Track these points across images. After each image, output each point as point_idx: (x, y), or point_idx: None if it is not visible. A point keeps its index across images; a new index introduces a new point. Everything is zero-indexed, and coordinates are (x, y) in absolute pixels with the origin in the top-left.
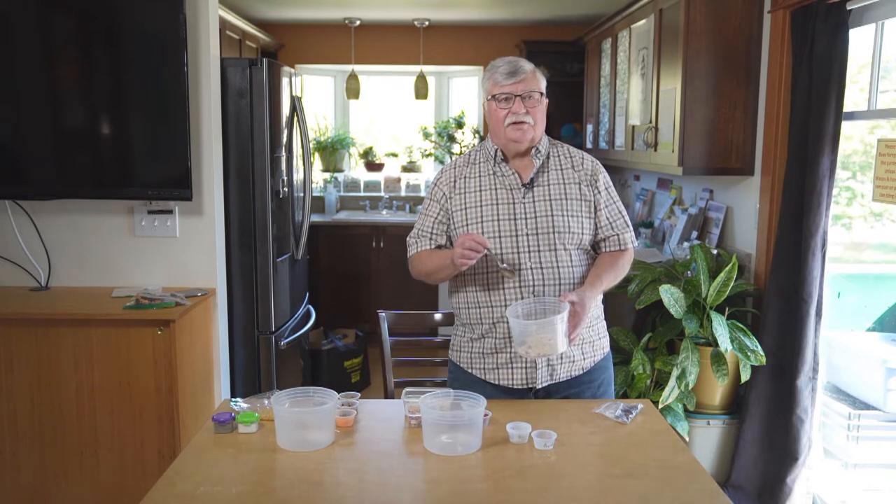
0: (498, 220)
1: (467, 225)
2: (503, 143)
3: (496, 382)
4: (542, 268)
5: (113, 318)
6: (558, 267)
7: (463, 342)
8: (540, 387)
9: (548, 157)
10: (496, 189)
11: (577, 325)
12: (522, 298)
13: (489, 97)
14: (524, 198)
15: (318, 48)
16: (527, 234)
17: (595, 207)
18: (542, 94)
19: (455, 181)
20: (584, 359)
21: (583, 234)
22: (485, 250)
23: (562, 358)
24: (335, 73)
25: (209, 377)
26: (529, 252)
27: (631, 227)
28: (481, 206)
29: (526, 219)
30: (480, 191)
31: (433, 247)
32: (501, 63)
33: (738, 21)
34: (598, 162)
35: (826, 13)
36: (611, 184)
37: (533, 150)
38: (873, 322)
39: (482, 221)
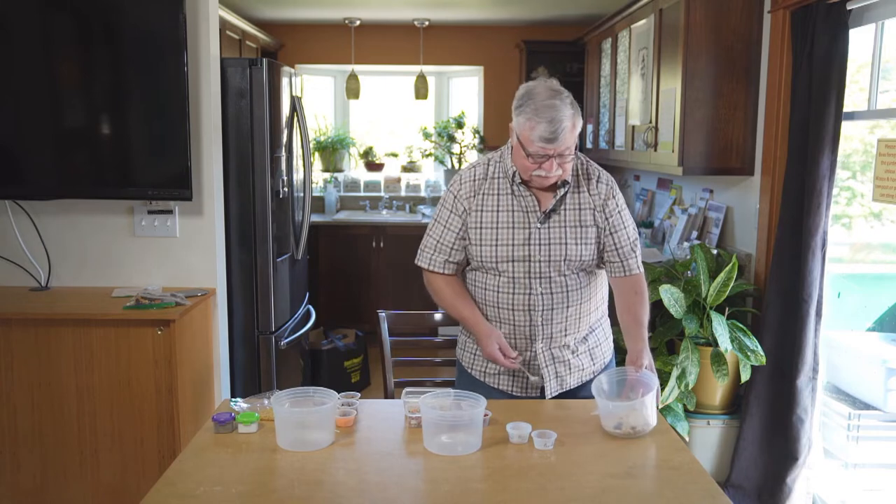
0: (513, 245)
1: (481, 245)
2: (525, 178)
3: (495, 386)
4: (552, 293)
5: (113, 318)
6: (567, 291)
7: (468, 342)
8: (550, 398)
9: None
10: (513, 211)
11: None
12: (531, 320)
13: (518, 140)
14: (541, 224)
15: (318, 48)
16: (539, 261)
17: (603, 232)
18: (575, 141)
19: (474, 196)
20: (594, 364)
21: (592, 259)
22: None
23: (570, 368)
24: (335, 73)
25: (209, 377)
26: (541, 278)
27: (638, 251)
28: (497, 228)
29: (540, 245)
30: (498, 211)
31: (450, 261)
32: (542, 118)
33: (738, 21)
34: (613, 182)
35: (826, 13)
36: (623, 206)
37: (559, 182)
38: (873, 322)
39: (497, 245)
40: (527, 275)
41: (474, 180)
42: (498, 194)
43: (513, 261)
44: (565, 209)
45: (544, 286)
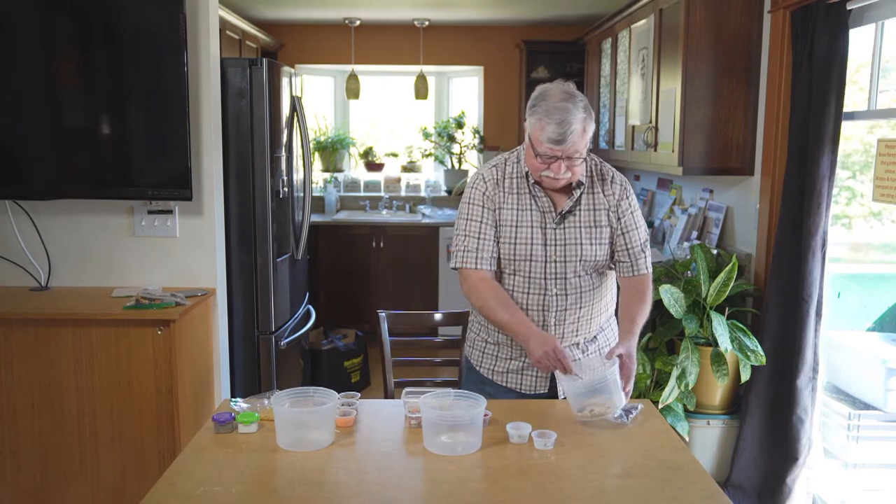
0: (531, 244)
1: (500, 243)
2: (536, 179)
3: (503, 384)
4: (566, 294)
5: (113, 318)
6: (580, 292)
7: (477, 340)
8: (563, 398)
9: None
10: (531, 210)
11: (630, 378)
12: (544, 320)
13: (530, 139)
14: (556, 225)
15: (318, 48)
16: (555, 261)
17: (615, 232)
18: (586, 146)
19: (497, 193)
20: (604, 364)
21: (605, 260)
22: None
23: (582, 368)
24: (335, 73)
25: (209, 377)
26: (556, 279)
27: (648, 252)
28: (517, 226)
29: (556, 246)
30: (518, 210)
31: (494, 257)
32: (551, 119)
33: (738, 21)
34: (627, 183)
35: (826, 13)
36: (636, 207)
37: (574, 183)
38: (873, 322)
39: (515, 243)
40: (542, 275)
41: (496, 179)
42: (517, 193)
43: (530, 260)
44: (580, 210)
45: (559, 287)
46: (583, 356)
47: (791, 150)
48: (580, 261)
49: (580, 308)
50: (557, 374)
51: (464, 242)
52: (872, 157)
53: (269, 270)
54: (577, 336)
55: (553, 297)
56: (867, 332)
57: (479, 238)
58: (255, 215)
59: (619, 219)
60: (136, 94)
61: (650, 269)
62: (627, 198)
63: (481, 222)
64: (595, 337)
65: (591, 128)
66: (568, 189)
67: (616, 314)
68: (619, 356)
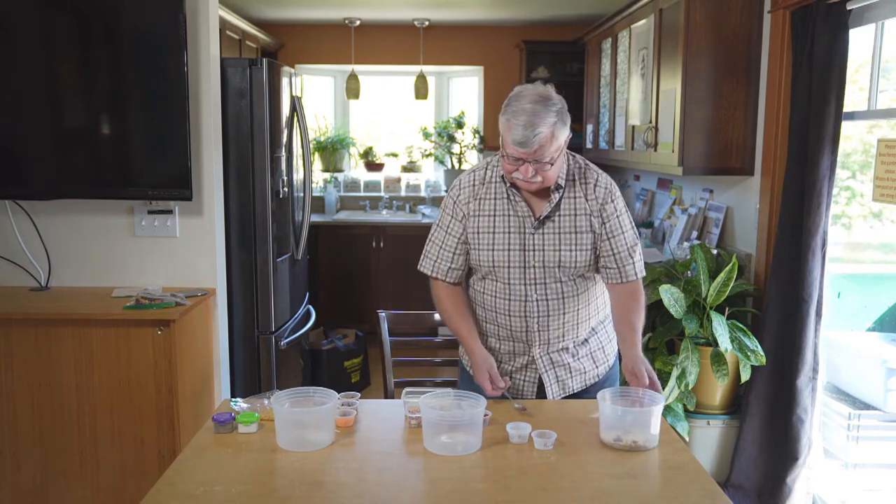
0: (509, 250)
1: (479, 249)
2: (510, 180)
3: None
4: (547, 300)
5: (113, 318)
6: (563, 298)
7: None
8: (553, 399)
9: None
10: (509, 216)
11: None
12: (527, 326)
13: (501, 138)
14: (535, 230)
15: (318, 48)
16: (534, 267)
17: (599, 237)
18: (559, 151)
19: (473, 200)
20: (597, 367)
21: (587, 266)
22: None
23: (571, 371)
24: (335, 73)
25: (209, 377)
26: (536, 284)
27: (636, 256)
28: (494, 232)
29: (534, 251)
30: (495, 216)
31: (453, 267)
32: (518, 121)
33: (738, 21)
34: (613, 186)
35: (826, 13)
36: (623, 210)
37: (552, 186)
38: (873, 322)
39: (493, 249)
40: (522, 281)
41: (473, 185)
42: (495, 198)
43: (508, 266)
44: (560, 215)
45: (539, 293)
46: (573, 360)
47: (791, 150)
48: (559, 267)
49: (564, 314)
50: (599, 399)
51: (427, 247)
52: (872, 157)
53: (269, 270)
54: (563, 340)
55: (534, 304)
56: (867, 332)
57: (440, 247)
58: (255, 215)
59: (602, 223)
60: (136, 94)
61: (640, 275)
62: (612, 201)
63: (446, 231)
64: (586, 340)
65: (564, 133)
66: (547, 193)
67: (614, 321)
68: (641, 373)
